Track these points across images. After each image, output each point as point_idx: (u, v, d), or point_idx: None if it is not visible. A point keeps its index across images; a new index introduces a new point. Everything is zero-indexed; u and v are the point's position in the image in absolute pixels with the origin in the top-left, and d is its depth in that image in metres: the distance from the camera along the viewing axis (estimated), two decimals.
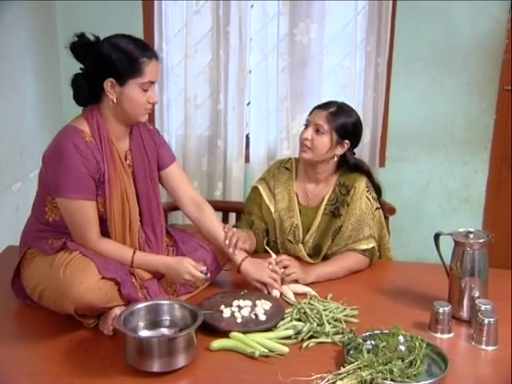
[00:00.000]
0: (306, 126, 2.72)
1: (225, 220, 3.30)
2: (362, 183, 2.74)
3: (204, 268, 2.27)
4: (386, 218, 3.16)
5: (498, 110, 4.18)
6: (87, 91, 2.24)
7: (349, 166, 2.77)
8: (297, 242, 2.78)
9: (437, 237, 2.37)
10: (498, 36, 4.05)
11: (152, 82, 2.23)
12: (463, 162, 4.29)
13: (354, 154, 2.80)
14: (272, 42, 4.09)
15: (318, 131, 2.66)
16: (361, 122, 2.77)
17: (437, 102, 4.20)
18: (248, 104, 4.22)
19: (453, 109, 4.21)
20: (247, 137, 4.28)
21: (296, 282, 2.51)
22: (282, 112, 4.17)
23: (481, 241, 2.25)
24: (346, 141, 2.71)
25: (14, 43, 3.59)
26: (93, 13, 4.04)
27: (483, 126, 4.21)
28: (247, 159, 4.27)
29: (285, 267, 2.51)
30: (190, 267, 2.24)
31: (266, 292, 2.42)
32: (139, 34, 4.04)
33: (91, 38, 2.22)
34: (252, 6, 4.06)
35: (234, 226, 2.75)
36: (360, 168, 2.78)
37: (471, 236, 2.26)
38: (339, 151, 2.72)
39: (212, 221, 2.52)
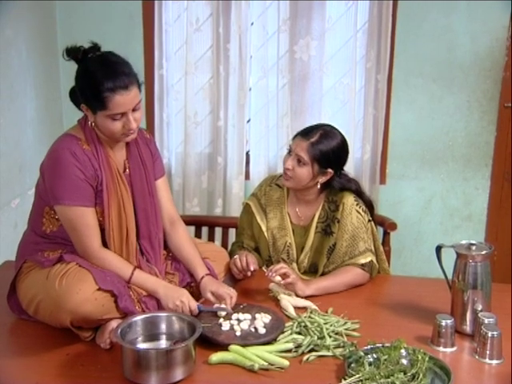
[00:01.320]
0: (289, 153, 2.66)
1: (225, 235, 3.27)
2: (350, 198, 2.68)
3: (199, 304, 2.25)
4: (388, 234, 3.15)
5: (498, 127, 4.16)
6: (78, 105, 2.25)
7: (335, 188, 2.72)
8: (291, 262, 2.74)
9: (438, 249, 2.35)
10: (498, 53, 4.04)
11: (123, 113, 2.16)
12: (464, 178, 4.26)
13: (343, 170, 2.73)
14: (272, 59, 4.08)
15: (299, 161, 2.60)
16: (345, 145, 2.68)
17: (437, 118, 4.18)
18: (248, 121, 4.21)
19: (453, 126, 4.19)
20: (247, 154, 4.26)
21: (295, 295, 2.49)
22: (282, 129, 4.15)
23: (483, 253, 2.22)
24: (329, 170, 2.64)
25: (15, 59, 3.59)
26: (94, 31, 4.03)
27: (484, 142, 4.19)
28: (247, 176, 4.25)
29: (282, 275, 2.48)
30: (185, 296, 2.22)
31: (217, 304, 2.33)
32: (139, 51, 4.09)
33: (80, 51, 2.18)
34: (252, 23, 4.06)
35: (229, 253, 2.78)
36: (348, 189, 2.71)
37: (473, 248, 2.24)
38: (322, 179, 2.66)
39: (182, 238, 2.52)
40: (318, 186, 2.67)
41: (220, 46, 4.04)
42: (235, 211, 4.12)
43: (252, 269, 2.56)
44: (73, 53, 2.18)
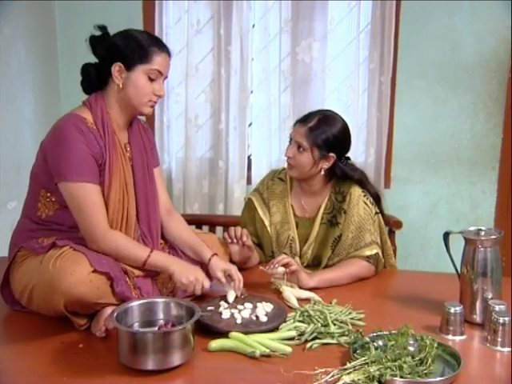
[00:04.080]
0: (290, 141, 2.63)
1: None
2: (357, 189, 2.64)
3: (211, 282, 2.24)
4: (393, 233, 3.08)
5: (505, 129, 4.08)
6: (95, 77, 2.24)
7: (341, 177, 2.68)
8: (293, 255, 2.68)
9: (446, 236, 2.27)
10: (503, 54, 3.98)
11: (160, 73, 2.22)
12: (471, 182, 4.18)
13: (349, 159, 2.70)
14: (274, 60, 4.03)
15: (299, 148, 2.57)
16: (346, 129, 2.63)
17: (442, 121, 4.11)
18: (250, 125, 4.14)
19: (459, 128, 4.12)
20: (249, 158, 4.19)
21: (298, 287, 2.42)
22: (284, 132, 4.08)
23: (492, 237, 2.15)
24: (331, 154, 2.60)
25: (14, 60, 3.56)
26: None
27: (490, 145, 4.11)
28: (249, 181, 4.17)
29: (284, 265, 2.41)
30: (200, 274, 2.19)
31: (226, 288, 2.30)
32: None
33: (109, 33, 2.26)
34: (253, 25, 4.02)
35: None
36: (350, 177, 2.67)
37: (482, 233, 2.16)
38: (325, 165, 2.62)
39: (181, 224, 2.50)
40: (322, 173, 2.62)
41: (221, 48, 3.99)
42: (236, 215, 4.05)
43: (244, 239, 2.51)
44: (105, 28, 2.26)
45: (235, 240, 2.51)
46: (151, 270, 2.20)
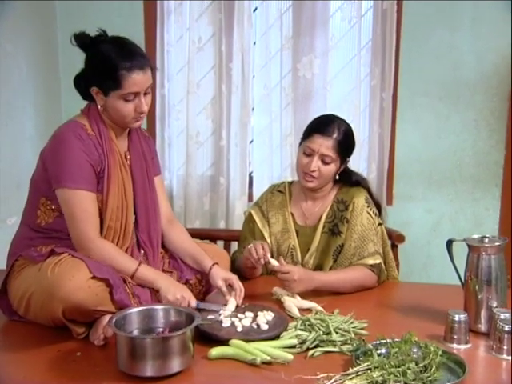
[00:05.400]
0: (308, 154, 2.60)
1: (227, 249, 3.18)
2: (360, 198, 2.64)
3: (198, 302, 2.20)
4: (396, 247, 3.05)
5: (507, 146, 4.05)
6: (84, 91, 2.23)
7: (348, 181, 2.72)
8: (295, 264, 2.65)
9: (449, 243, 2.25)
10: (504, 71, 3.96)
11: (136, 92, 2.15)
12: (474, 199, 4.14)
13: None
14: (275, 77, 4.02)
15: (323, 161, 2.57)
16: (351, 128, 2.70)
17: (444, 137, 4.09)
18: (251, 142, 4.13)
19: (461, 145, 4.09)
20: (250, 175, 4.17)
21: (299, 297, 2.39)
22: (285, 149, 4.07)
23: (496, 244, 2.12)
24: (347, 158, 2.68)
25: (15, 75, 3.56)
26: None
27: (493, 162, 4.08)
28: (250, 198, 4.15)
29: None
30: (187, 293, 2.15)
31: (227, 297, 2.27)
32: None
33: (88, 38, 2.22)
34: (254, 42, 4.02)
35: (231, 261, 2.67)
36: (359, 184, 2.72)
37: (486, 241, 2.14)
38: (341, 168, 2.68)
39: (182, 234, 2.51)
40: (337, 177, 2.69)
41: (222, 65, 3.98)
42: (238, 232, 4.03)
43: (268, 256, 2.44)
44: (82, 38, 2.21)
45: (259, 259, 2.45)
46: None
